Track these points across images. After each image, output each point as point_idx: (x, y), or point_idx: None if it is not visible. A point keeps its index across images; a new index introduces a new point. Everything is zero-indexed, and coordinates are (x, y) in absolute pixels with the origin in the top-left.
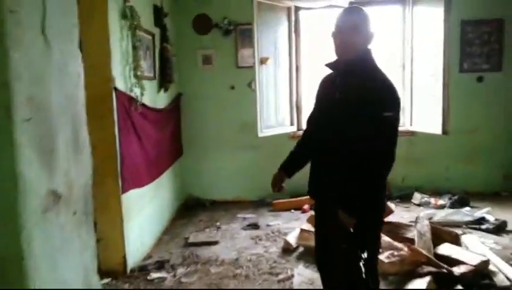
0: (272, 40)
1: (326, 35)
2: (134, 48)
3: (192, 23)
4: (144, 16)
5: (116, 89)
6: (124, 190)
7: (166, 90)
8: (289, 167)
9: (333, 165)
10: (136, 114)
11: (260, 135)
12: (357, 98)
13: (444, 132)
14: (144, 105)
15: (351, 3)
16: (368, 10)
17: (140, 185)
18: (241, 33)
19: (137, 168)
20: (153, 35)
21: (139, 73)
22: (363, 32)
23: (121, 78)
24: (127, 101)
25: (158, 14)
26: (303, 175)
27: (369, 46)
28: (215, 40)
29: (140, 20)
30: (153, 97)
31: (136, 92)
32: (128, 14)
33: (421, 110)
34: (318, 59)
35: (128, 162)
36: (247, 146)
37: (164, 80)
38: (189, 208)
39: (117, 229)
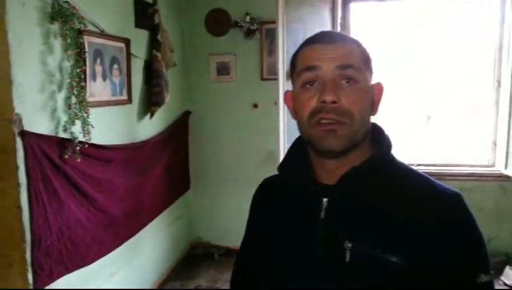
0: None
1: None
2: (77, 62)
3: (205, 21)
4: (109, 15)
5: (23, 133)
6: (40, 284)
7: (152, 115)
8: None
9: None
10: (75, 164)
11: None
12: (399, 250)
13: None
14: (94, 146)
15: None
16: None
17: (78, 266)
18: (268, 34)
19: (77, 244)
20: (127, 42)
21: (81, 100)
22: (366, 81)
23: (41, 113)
24: (55, 147)
25: (142, 11)
26: None
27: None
28: (235, 44)
29: (96, 21)
30: (128, 129)
31: (75, 130)
32: (62, 13)
33: None
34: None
35: (45, 242)
36: None
37: (149, 102)
38: (192, 261)
39: None
